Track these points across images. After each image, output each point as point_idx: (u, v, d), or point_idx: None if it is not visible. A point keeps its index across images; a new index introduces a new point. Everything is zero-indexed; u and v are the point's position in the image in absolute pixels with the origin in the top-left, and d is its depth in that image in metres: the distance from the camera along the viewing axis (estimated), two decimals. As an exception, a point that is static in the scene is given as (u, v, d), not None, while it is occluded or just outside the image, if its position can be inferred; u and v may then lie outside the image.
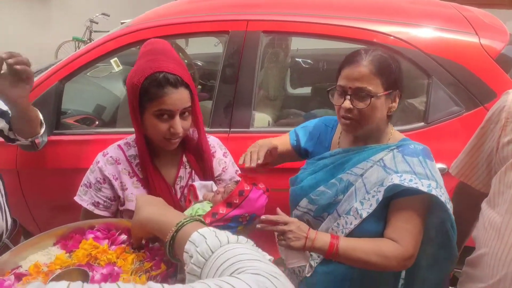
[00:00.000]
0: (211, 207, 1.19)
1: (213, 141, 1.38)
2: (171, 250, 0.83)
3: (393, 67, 1.18)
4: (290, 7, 2.16)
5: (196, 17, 2.12)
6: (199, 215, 1.15)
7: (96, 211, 1.26)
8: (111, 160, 1.26)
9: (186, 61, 3.02)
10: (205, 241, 0.72)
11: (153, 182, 1.23)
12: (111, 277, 0.99)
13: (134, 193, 1.25)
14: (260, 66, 2.04)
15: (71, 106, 2.48)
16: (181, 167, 1.29)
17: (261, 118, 2.07)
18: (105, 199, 1.26)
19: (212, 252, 0.70)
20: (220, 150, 1.38)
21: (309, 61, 3.22)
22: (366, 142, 1.27)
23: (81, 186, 1.29)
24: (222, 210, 1.13)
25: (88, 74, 2.63)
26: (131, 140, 1.31)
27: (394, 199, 1.17)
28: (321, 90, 2.85)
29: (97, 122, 2.46)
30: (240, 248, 0.69)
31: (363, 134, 1.25)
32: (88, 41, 6.21)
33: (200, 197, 1.24)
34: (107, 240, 1.10)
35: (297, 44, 3.09)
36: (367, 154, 1.23)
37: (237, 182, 1.21)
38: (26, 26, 6.69)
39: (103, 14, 6.00)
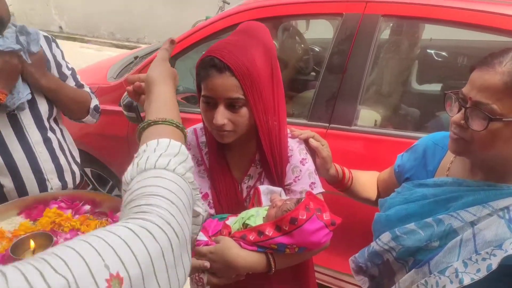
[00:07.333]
0: (263, 218, 1.03)
1: (294, 144, 1.16)
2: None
3: None
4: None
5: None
6: (247, 225, 1.02)
7: None
8: None
9: (302, 45, 2.86)
10: (147, 156, 0.61)
11: (218, 174, 1.12)
12: None
13: (197, 182, 1.16)
14: (375, 56, 1.77)
15: (183, 84, 2.55)
16: (252, 165, 1.14)
17: (367, 116, 1.81)
18: None
19: (144, 170, 0.59)
20: (298, 156, 1.14)
21: (444, 53, 2.75)
22: (488, 176, 0.91)
23: None
24: (269, 232, 0.96)
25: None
26: None
27: None
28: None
29: (201, 101, 2.48)
30: (169, 182, 0.58)
31: (484, 164, 0.90)
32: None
33: (264, 203, 1.07)
34: (70, 210, 1.18)
35: (432, 33, 2.65)
36: (486, 195, 0.87)
37: (299, 200, 1.00)
38: (165, 3, 7.22)
39: (236, -6, 6.16)
